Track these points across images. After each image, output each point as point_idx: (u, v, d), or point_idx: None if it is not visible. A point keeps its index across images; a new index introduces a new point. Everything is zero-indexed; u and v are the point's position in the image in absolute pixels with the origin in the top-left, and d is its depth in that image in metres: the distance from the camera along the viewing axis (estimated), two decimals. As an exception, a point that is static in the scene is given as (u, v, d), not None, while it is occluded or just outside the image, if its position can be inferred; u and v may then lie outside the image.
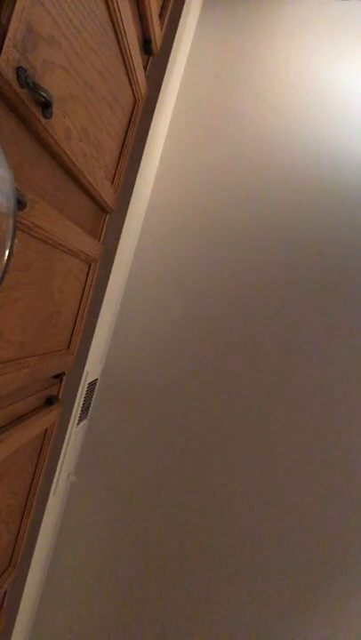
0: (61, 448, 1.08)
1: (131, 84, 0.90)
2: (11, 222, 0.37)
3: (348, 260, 1.21)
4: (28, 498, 1.00)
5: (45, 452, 1.01)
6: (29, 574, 1.11)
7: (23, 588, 1.10)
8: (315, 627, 1.21)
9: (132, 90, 0.92)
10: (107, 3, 0.67)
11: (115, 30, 0.73)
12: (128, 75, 0.86)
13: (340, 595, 1.20)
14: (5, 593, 1.07)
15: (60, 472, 1.10)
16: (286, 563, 1.22)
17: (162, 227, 1.28)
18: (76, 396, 1.08)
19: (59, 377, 1.00)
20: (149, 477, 1.28)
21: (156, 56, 1.04)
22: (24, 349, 0.72)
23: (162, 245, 1.28)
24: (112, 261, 1.06)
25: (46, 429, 0.97)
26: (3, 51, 0.44)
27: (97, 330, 1.09)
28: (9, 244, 0.38)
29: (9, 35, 0.44)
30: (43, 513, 1.08)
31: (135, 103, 0.96)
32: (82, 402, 1.13)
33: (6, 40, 0.44)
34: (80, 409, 1.13)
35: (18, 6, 0.44)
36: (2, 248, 0.37)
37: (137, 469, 1.28)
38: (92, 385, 1.21)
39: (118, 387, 1.29)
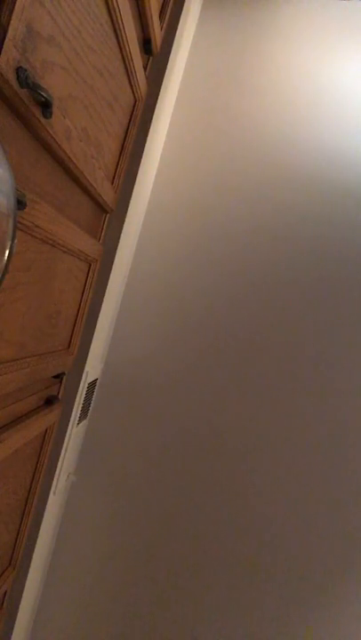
0: (61, 448, 1.08)
1: (131, 84, 0.90)
2: (11, 222, 0.37)
3: (348, 259, 1.21)
4: (28, 498, 1.00)
5: (45, 452, 1.01)
6: (29, 574, 1.11)
7: (23, 588, 1.10)
8: (314, 627, 1.21)
9: (132, 90, 0.92)
10: (107, 3, 0.67)
11: (115, 30, 0.73)
12: (128, 75, 0.86)
13: (340, 596, 1.20)
14: (5, 593, 1.07)
15: (60, 472, 1.10)
16: (288, 562, 1.22)
17: (162, 227, 1.28)
18: (76, 395, 1.08)
19: (59, 377, 1.00)
20: (149, 477, 1.28)
21: (156, 56, 1.04)
22: (24, 349, 0.72)
23: (162, 245, 1.28)
24: (112, 261, 1.06)
25: (46, 429, 0.97)
26: (3, 51, 0.44)
27: (97, 330, 1.09)
28: (9, 244, 0.38)
29: (9, 35, 0.44)
30: (43, 513, 1.08)
31: (135, 103, 0.96)
32: (82, 402, 1.13)
33: (6, 40, 0.44)
34: (80, 409, 1.13)
35: (18, 6, 0.44)
36: (2, 248, 0.37)
37: (137, 469, 1.28)
38: (92, 385, 1.21)
39: (118, 387, 1.29)
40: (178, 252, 1.27)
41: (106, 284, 1.06)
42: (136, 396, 1.28)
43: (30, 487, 0.99)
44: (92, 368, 1.15)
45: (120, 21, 0.72)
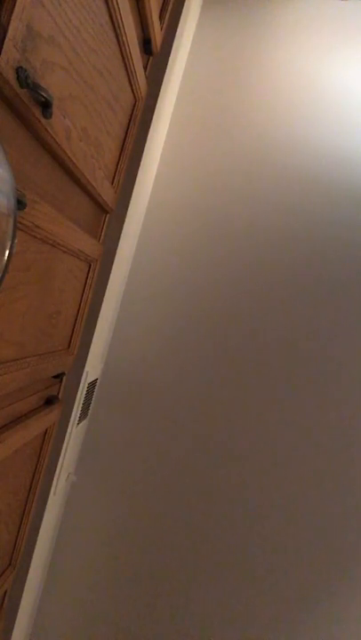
0: (61, 448, 1.08)
1: (131, 84, 0.90)
2: (11, 222, 0.37)
3: (347, 258, 1.21)
4: (28, 498, 1.00)
5: (45, 452, 1.01)
6: (29, 574, 1.11)
7: (23, 588, 1.10)
8: (313, 629, 1.21)
9: (132, 90, 0.92)
10: (107, 3, 0.67)
11: (115, 30, 0.73)
12: (128, 75, 0.86)
13: (340, 599, 1.20)
14: (5, 593, 1.07)
15: (60, 472, 1.10)
16: (289, 563, 1.22)
17: (162, 227, 1.28)
18: (76, 395, 1.08)
19: (59, 377, 1.00)
20: (149, 477, 1.28)
21: (156, 56, 1.04)
22: (24, 349, 0.72)
23: (162, 245, 1.28)
24: (112, 261, 1.06)
25: (46, 429, 0.97)
26: (3, 51, 0.44)
27: (97, 330, 1.09)
28: (9, 244, 0.38)
29: (9, 35, 0.44)
30: (43, 513, 1.08)
31: (135, 103, 0.96)
32: (82, 402, 1.13)
33: (6, 40, 0.44)
34: (80, 409, 1.13)
35: (18, 6, 0.44)
36: (2, 248, 0.37)
37: (137, 469, 1.28)
38: (92, 385, 1.21)
39: (118, 386, 1.29)
40: (178, 252, 1.27)
41: (106, 284, 1.06)
42: (136, 396, 1.28)
43: (30, 487, 0.99)
44: (92, 368, 1.15)
45: (120, 21, 0.72)
